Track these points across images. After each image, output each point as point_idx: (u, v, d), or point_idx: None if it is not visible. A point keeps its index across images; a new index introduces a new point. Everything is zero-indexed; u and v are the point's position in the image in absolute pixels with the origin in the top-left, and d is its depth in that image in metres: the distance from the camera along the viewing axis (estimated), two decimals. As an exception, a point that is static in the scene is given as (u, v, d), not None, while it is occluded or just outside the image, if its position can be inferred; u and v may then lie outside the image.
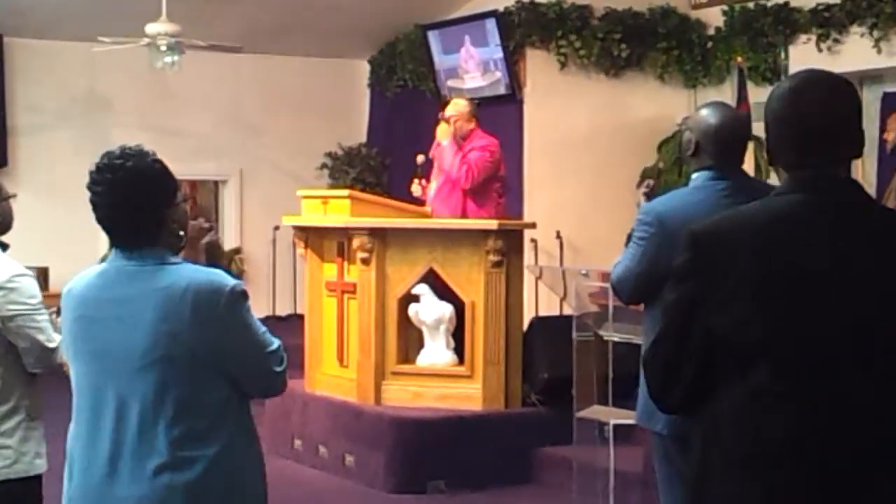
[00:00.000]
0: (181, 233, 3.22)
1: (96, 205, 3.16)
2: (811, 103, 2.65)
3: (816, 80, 2.70)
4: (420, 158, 8.28)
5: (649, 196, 4.60)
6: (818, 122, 2.64)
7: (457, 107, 8.23)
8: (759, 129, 8.97)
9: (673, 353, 2.68)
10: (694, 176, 4.36)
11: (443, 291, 7.69)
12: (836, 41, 9.26)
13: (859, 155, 2.71)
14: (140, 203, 3.11)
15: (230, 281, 3.12)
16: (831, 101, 2.66)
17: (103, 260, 10.30)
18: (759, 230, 2.62)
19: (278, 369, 3.21)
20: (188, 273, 3.10)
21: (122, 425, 3.05)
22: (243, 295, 3.12)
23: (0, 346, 4.16)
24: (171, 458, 3.01)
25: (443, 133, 8.11)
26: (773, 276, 2.56)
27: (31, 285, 4.23)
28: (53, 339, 4.17)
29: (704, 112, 4.39)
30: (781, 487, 2.53)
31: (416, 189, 8.32)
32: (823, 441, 2.52)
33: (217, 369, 3.07)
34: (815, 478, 2.52)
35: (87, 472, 3.11)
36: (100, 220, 3.17)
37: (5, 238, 4.34)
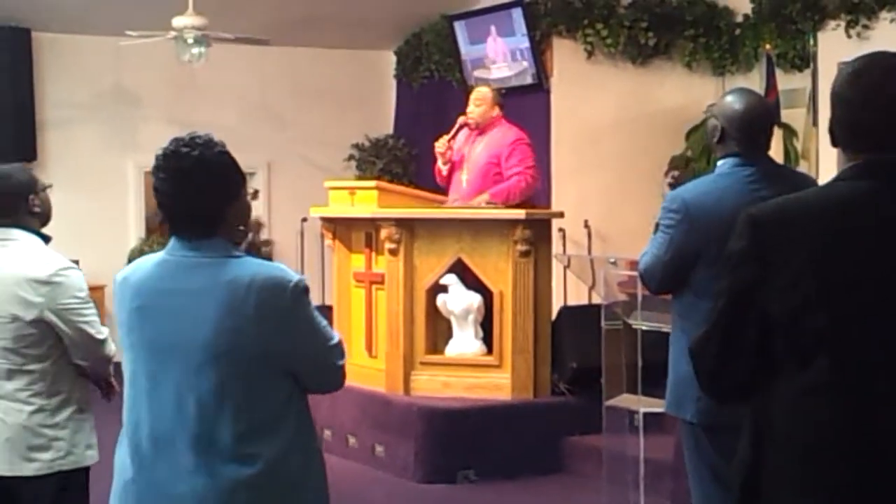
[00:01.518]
0: (242, 227, 3.14)
1: (158, 191, 3.07)
2: (871, 84, 2.57)
3: (879, 61, 2.62)
4: (462, 119, 8.19)
5: (674, 186, 4.57)
6: (878, 106, 2.56)
7: (480, 93, 8.21)
8: (788, 116, 9.06)
9: (726, 342, 2.59)
10: (720, 163, 4.33)
11: (471, 281, 7.69)
12: (866, 27, 9.19)
13: None
14: (202, 194, 3.03)
15: (294, 275, 3.05)
16: (892, 82, 2.58)
17: (132, 253, 10.41)
18: (822, 217, 2.54)
19: (340, 363, 3.17)
20: (252, 267, 3.03)
21: (183, 419, 2.99)
22: (306, 290, 3.06)
23: (49, 339, 4.21)
24: (234, 453, 2.96)
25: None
26: (836, 266, 2.49)
27: (77, 278, 4.27)
28: (101, 331, 4.25)
29: (729, 98, 4.36)
30: (841, 483, 2.46)
31: (440, 145, 8.15)
32: (884, 436, 2.45)
33: (280, 365, 3.02)
34: (877, 473, 2.45)
35: (147, 465, 3.05)
36: (161, 207, 3.09)
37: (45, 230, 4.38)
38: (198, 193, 3.03)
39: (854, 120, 2.60)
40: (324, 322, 3.14)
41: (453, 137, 8.12)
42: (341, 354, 3.18)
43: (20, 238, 4.27)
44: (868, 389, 2.46)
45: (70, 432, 4.25)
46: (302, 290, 3.04)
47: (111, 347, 4.29)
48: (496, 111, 8.07)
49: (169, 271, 3.08)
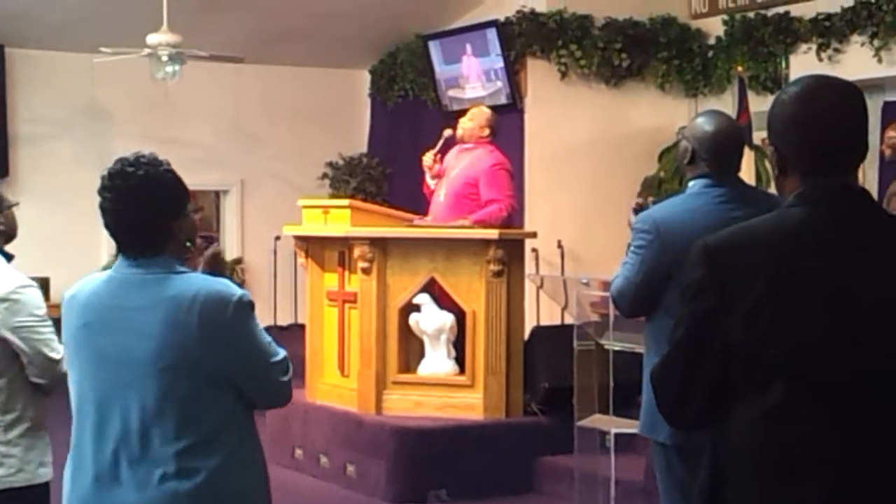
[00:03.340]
0: (188, 244, 3.19)
1: (105, 210, 3.11)
2: (826, 110, 2.56)
3: (829, 86, 2.60)
4: (447, 132, 8.21)
5: (638, 213, 4.59)
6: (834, 129, 2.56)
7: (478, 109, 8.26)
8: (760, 138, 9.08)
9: (687, 371, 2.59)
10: (691, 184, 4.36)
11: (444, 301, 7.69)
12: (837, 50, 9.28)
13: (864, 159, 2.65)
14: (149, 212, 3.09)
15: (237, 291, 3.10)
16: (845, 107, 2.58)
17: (106, 269, 10.23)
18: (776, 245, 2.53)
19: (283, 379, 3.20)
20: (196, 282, 3.09)
21: (126, 433, 3.04)
22: (250, 305, 3.11)
23: (5, 357, 4.19)
24: (175, 467, 3.01)
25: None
26: (792, 293, 2.48)
27: (35, 297, 4.24)
28: (57, 350, 4.18)
29: (700, 120, 4.40)
30: None
31: (427, 159, 8.13)
32: (844, 458, 2.46)
33: (222, 379, 3.06)
34: (838, 495, 2.45)
35: (90, 479, 3.10)
36: (107, 227, 3.14)
37: (9, 248, 4.35)
38: (144, 211, 3.09)
39: (804, 144, 2.58)
40: (268, 338, 3.18)
41: (439, 151, 8.12)
42: (285, 371, 3.21)
43: None
44: (826, 412, 2.47)
45: (22, 450, 4.23)
46: (245, 305, 3.09)
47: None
48: (486, 132, 8.00)
49: (115, 288, 3.14)
